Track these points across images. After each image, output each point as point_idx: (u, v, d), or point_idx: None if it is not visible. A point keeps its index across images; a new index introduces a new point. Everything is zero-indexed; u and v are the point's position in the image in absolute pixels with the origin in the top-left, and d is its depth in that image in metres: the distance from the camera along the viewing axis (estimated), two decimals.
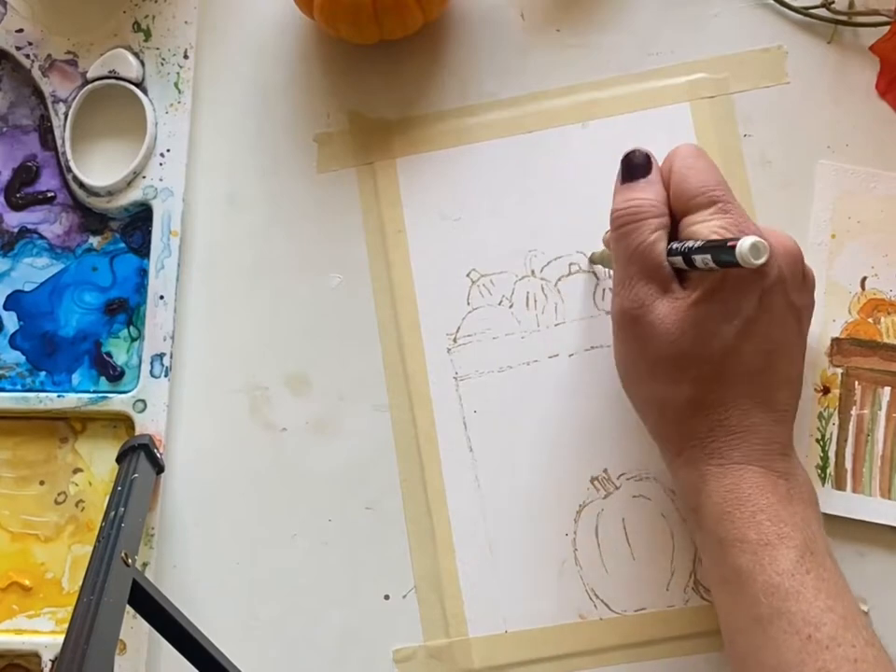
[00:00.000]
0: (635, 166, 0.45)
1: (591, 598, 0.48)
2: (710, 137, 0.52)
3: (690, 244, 0.42)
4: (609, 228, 0.45)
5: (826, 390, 0.49)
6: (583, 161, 0.52)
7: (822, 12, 0.52)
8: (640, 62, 0.53)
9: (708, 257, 0.40)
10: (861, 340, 0.50)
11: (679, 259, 0.42)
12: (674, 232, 0.44)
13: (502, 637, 0.49)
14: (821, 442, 0.49)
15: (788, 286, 0.43)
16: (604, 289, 0.51)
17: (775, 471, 0.42)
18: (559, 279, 0.51)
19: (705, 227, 0.42)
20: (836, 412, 0.49)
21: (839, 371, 0.49)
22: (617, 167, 0.45)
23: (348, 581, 0.50)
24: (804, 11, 0.53)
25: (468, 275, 0.52)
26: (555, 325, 0.51)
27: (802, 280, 0.44)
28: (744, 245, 0.38)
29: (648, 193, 0.44)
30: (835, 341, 0.50)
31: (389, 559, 0.49)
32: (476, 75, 0.54)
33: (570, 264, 0.51)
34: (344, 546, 0.50)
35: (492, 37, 0.54)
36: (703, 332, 0.42)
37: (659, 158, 0.45)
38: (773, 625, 0.40)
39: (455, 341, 0.51)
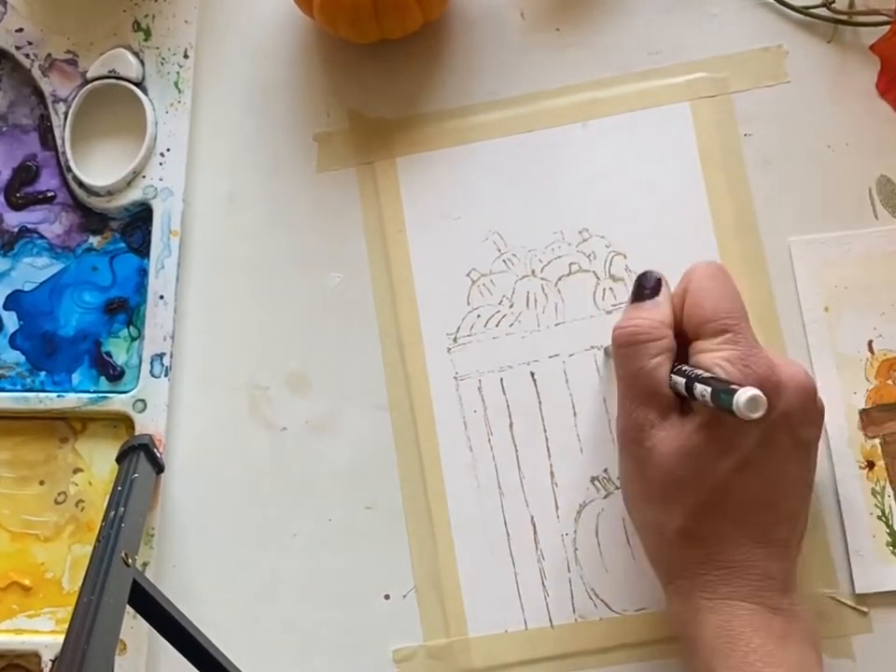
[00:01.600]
0: (643, 287, 0.45)
1: (591, 598, 0.48)
2: (710, 137, 0.52)
3: (696, 372, 0.41)
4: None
5: (871, 465, 0.48)
6: (583, 160, 0.52)
7: (823, 12, 0.52)
8: (640, 61, 0.53)
9: (708, 391, 0.39)
10: (887, 404, 0.48)
11: (681, 383, 0.41)
12: (683, 355, 0.43)
13: (502, 637, 0.49)
14: (884, 518, 0.47)
15: (794, 421, 0.41)
16: (604, 289, 0.51)
17: (770, 608, 0.41)
18: (559, 279, 0.51)
19: (710, 357, 0.41)
20: (888, 483, 0.47)
21: (877, 441, 0.48)
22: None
23: (348, 581, 0.50)
24: (804, 11, 0.52)
25: (468, 275, 0.52)
26: (555, 325, 0.51)
27: (812, 413, 0.42)
28: (741, 397, 0.37)
29: (653, 314, 0.43)
30: (863, 412, 0.48)
31: (389, 559, 0.49)
32: (476, 74, 0.54)
33: (570, 264, 0.51)
34: (344, 546, 0.50)
35: (492, 37, 0.54)
36: (697, 464, 0.41)
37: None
38: None
39: (455, 341, 0.51)
